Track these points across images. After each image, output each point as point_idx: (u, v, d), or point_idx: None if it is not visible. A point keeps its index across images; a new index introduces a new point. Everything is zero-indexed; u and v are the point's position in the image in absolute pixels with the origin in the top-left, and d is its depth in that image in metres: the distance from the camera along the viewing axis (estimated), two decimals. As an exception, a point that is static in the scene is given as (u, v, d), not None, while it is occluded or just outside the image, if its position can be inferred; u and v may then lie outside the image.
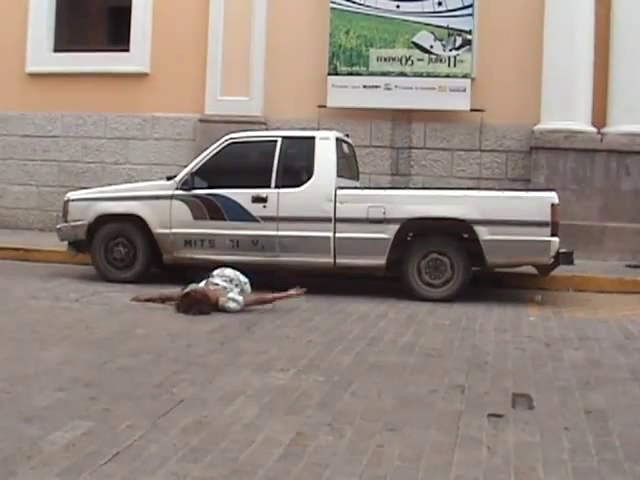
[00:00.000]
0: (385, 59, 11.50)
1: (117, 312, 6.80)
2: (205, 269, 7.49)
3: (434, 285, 7.88)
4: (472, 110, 11.19)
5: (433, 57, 11.38)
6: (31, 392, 4.20)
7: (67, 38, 12.87)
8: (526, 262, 8.03)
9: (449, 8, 11.31)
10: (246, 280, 7.08)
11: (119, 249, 8.48)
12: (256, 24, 11.86)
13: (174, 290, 7.32)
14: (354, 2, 11.55)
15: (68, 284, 8.28)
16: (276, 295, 7.03)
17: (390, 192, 8.70)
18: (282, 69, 11.79)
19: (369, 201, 8.01)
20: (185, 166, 8.75)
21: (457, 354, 5.49)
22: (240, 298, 6.87)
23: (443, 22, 11.34)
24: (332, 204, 7.98)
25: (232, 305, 6.81)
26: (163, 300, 7.08)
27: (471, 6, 11.25)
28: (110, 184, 10.51)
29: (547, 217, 7.66)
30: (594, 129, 10.88)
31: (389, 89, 11.43)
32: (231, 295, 6.85)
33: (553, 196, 7.78)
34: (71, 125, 12.55)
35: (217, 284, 6.95)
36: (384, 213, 7.87)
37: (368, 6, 11.51)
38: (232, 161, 8.45)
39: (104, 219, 8.54)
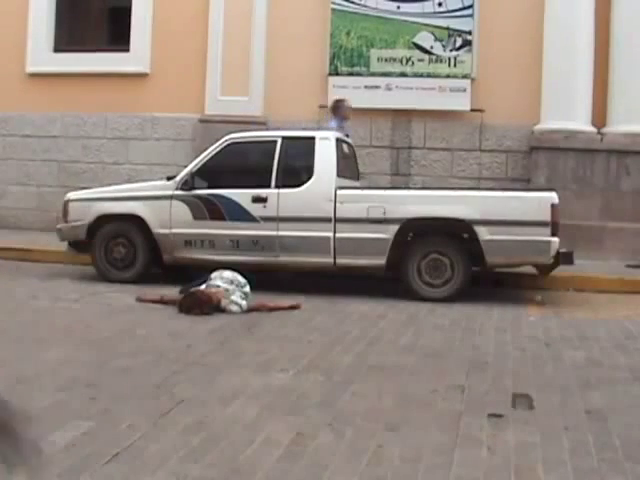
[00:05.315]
0: (386, 59, 11.51)
1: (117, 312, 6.80)
2: (205, 269, 7.49)
3: (434, 285, 7.87)
4: (472, 110, 11.20)
5: (433, 57, 11.39)
6: (31, 392, 4.20)
7: (67, 38, 12.87)
8: (526, 262, 8.03)
9: (449, 9, 11.33)
10: (245, 281, 7.09)
11: (119, 249, 8.48)
12: (256, 24, 11.86)
13: (174, 290, 7.34)
14: (355, 3, 11.56)
15: (68, 284, 8.28)
16: (277, 305, 7.03)
17: (390, 192, 8.70)
18: (282, 69, 11.79)
19: (369, 201, 8.01)
20: (185, 166, 8.74)
21: (457, 354, 5.49)
22: (244, 303, 6.88)
23: (443, 23, 11.35)
24: (332, 204, 7.98)
25: (234, 308, 6.81)
26: (166, 302, 7.08)
27: (471, 7, 11.27)
28: (110, 184, 10.50)
29: (547, 217, 7.65)
30: (594, 129, 10.88)
31: (390, 89, 11.44)
32: (234, 298, 6.85)
33: (553, 196, 7.77)
34: (71, 125, 12.55)
35: (218, 286, 6.95)
36: (384, 213, 7.86)
37: (369, 7, 11.52)
38: (232, 161, 8.45)
39: (104, 219, 8.54)
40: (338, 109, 10.00)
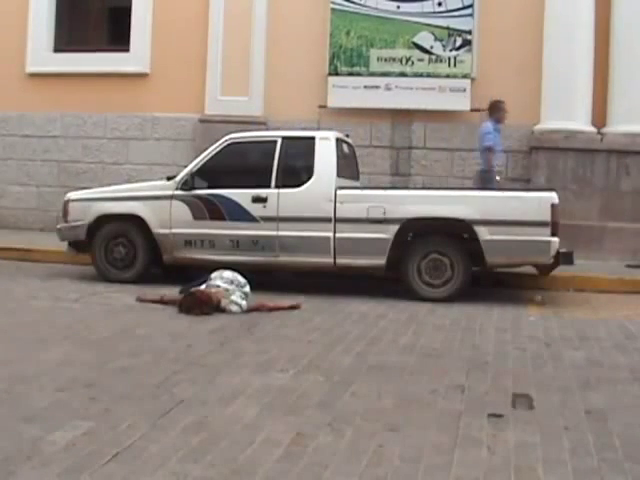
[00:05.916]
0: (385, 59, 11.51)
1: (117, 312, 6.79)
2: (205, 269, 7.49)
3: (434, 285, 7.87)
4: (472, 110, 11.19)
5: (433, 57, 11.39)
6: (31, 392, 4.20)
7: (67, 38, 12.88)
8: (526, 262, 8.03)
9: (449, 8, 11.32)
10: (245, 281, 7.09)
11: (119, 249, 8.48)
12: (256, 24, 11.86)
13: (174, 290, 7.34)
14: (354, 3, 11.56)
15: (68, 284, 8.28)
16: (277, 305, 7.03)
17: (390, 192, 8.69)
18: (282, 69, 11.79)
19: (369, 201, 8.01)
20: (185, 166, 8.75)
21: (457, 354, 5.49)
22: (244, 303, 6.88)
23: (443, 22, 11.35)
24: (332, 204, 7.98)
25: (234, 308, 6.81)
26: (166, 302, 7.08)
27: (471, 6, 11.27)
28: (110, 184, 10.50)
29: (547, 217, 7.65)
30: (594, 129, 10.88)
31: (389, 89, 11.44)
32: (234, 298, 6.85)
33: (553, 196, 7.77)
34: (71, 125, 12.55)
35: (218, 286, 6.95)
36: (384, 213, 7.86)
37: (369, 7, 11.52)
38: (232, 161, 8.45)
39: (104, 219, 8.54)
40: (496, 110, 9.92)
